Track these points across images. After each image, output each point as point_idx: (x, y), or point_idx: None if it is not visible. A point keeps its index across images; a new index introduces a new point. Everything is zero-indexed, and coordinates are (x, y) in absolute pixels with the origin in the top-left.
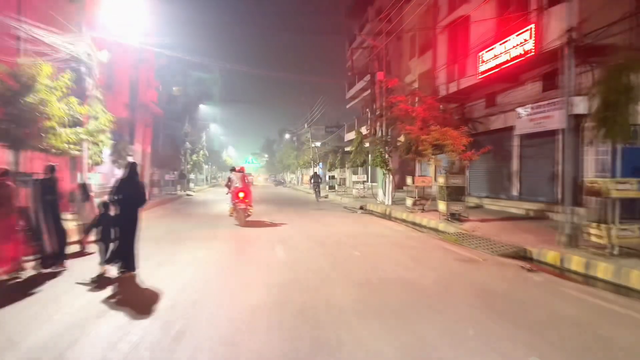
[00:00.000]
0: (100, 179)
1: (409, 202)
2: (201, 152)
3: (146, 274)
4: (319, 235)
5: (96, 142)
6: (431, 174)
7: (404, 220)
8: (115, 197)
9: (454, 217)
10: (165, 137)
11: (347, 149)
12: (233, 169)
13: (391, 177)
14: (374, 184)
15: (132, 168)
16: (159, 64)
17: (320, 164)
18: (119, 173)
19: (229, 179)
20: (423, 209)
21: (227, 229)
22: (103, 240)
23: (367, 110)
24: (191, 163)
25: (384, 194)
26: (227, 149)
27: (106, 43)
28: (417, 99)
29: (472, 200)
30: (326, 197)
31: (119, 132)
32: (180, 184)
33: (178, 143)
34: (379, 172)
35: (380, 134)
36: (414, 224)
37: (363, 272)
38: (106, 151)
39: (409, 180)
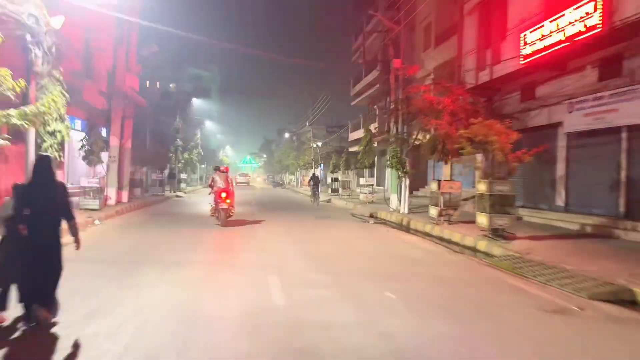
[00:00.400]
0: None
1: (434, 211)
2: (195, 150)
3: (67, 329)
4: (327, 257)
5: (51, 131)
6: (445, 176)
7: (427, 234)
8: (21, 213)
9: (496, 233)
10: (153, 133)
11: (352, 149)
12: (217, 169)
13: (407, 181)
14: (379, 187)
15: (42, 165)
16: (146, 49)
17: (321, 165)
18: (95, 171)
19: (213, 179)
20: (449, 221)
21: (208, 249)
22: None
23: (376, 106)
24: (182, 161)
25: (399, 201)
26: (224, 148)
27: (76, 13)
28: (438, 89)
29: None
30: (329, 201)
31: (93, 122)
32: (170, 184)
33: (167, 139)
34: (392, 175)
35: (395, 131)
36: (441, 239)
37: (408, 333)
38: (75, 145)
39: (432, 185)
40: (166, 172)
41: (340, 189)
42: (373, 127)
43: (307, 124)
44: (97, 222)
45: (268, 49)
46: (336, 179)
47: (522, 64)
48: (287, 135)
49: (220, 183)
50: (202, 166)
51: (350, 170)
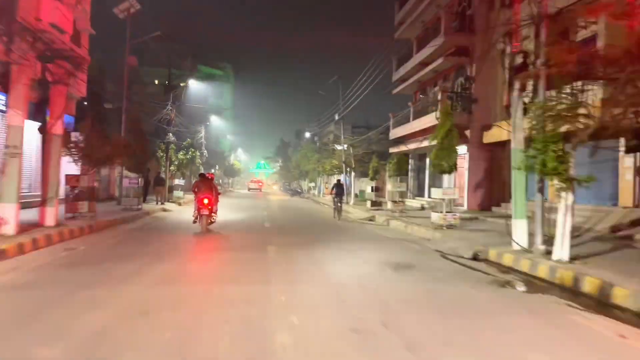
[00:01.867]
0: None
1: None
2: (194, 150)
3: None
4: None
5: None
6: (518, 182)
7: None
8: None
9: None
10: (131, 122)
11: (392, 150)
12: (202, 175)
13: (571, 198)
14: (419, 198)
15: None
16: (122, 7)
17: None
18: None
19: (197, 185)
20: None
21: None
22: None
23: (437, 87)
24: (176, 163)
25: (542, 234)
26: (235, 151)
27: None
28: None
29: None
30: (371, 219)
31: None
32: (158, 193)
33: (156, 133)
34: (517, 183)
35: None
36: None
37: None
38: None
39: None
40: (141, 177)
41: (389, 203)
42: (434, 116)
43: (336, 117)
44: None
45: (289, 38)
46: (377, 189)
47: None
48: (307, 135)
49: (204, 189)
50: (213, 170)
51: (391, 178)
